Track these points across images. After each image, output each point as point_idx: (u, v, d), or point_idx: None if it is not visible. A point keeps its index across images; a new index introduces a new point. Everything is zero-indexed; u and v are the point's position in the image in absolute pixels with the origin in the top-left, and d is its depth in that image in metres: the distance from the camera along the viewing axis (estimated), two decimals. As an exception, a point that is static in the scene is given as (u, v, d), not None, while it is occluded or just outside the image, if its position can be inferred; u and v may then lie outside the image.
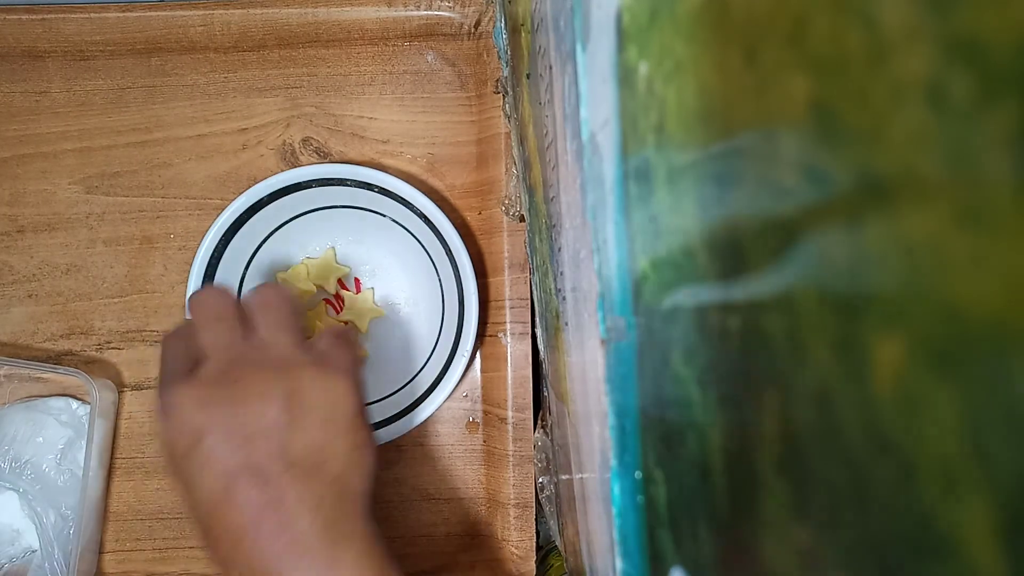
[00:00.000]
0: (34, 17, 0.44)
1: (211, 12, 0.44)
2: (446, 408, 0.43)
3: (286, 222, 0.42)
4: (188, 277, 0.39)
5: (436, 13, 0.44)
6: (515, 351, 0.42)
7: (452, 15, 0.44)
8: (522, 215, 0.41)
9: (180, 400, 0.28)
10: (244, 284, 0.42)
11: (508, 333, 0.42)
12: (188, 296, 0.39)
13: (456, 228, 0.39)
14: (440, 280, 0.42)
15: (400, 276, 0.44)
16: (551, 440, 0.40)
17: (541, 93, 0.29)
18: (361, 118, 0.45)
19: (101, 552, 0.42)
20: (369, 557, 0.28)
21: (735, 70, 0.13)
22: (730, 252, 0.14)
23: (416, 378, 0.42)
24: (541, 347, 0.41)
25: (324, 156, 0.45)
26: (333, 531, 0.27)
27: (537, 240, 0.36)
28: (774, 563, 0.14)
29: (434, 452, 0.43)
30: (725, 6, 0.13)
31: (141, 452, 0.43)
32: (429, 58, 0.45)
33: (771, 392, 0.13)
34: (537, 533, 0.42)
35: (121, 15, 0.44)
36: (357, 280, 0.44)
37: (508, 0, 0.37)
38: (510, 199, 0.42)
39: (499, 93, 0.43)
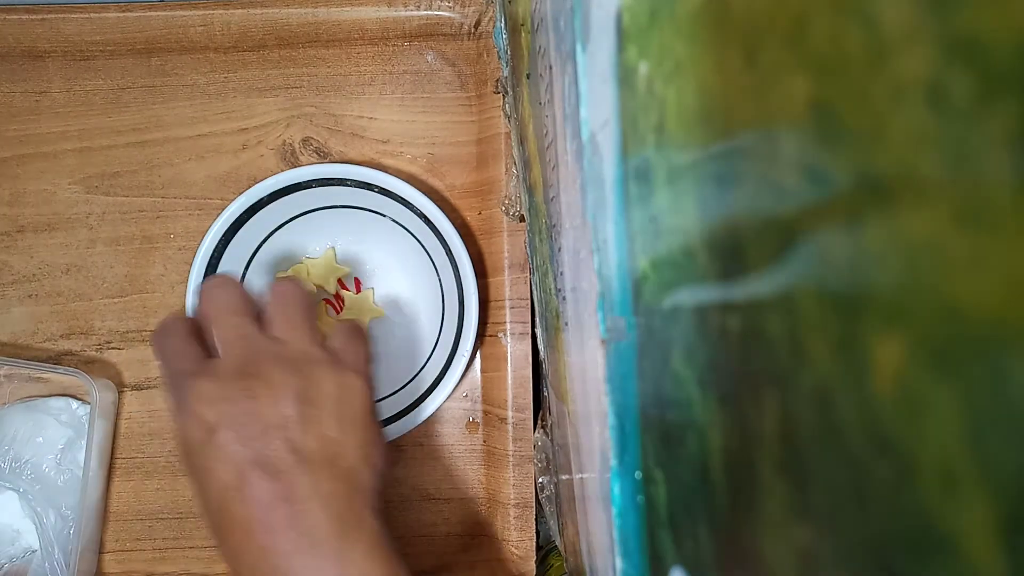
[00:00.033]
0: (34, 17, 0.44)
1: (211, 12, 0.44)
2: (446, 408, 0.43)
3: (286, 222, 0.42)
4: (188, 277, 0.39)
5: (436, 13, 0.44)
6: (515, 351, 0.42)
7: (452, 15, 0.44)
8: (522, 215, 0.41)
9: (195, 395, 0.28)
10: (244, 284, 0.42)
11: (508, 333, 0.42)
12: (197, 285, 0.39)
13: (456, 228, 0.39)
14: (440, 280, 0.42)
15: (400, 276, 0.44)
16: (551, 440, 0.40)
17: (541, 93, 0.29)
18: (361, 118, 0.45)
19: (101, 552, 0.42)
20: (378, 551, 0.28)
21: (735, 70, 0.13)
22: (730, 252, 0.14)
23: (416, 378, 0.42)
24: (541, 347, 0.41)
25: (324, 156, 0.45)
26: (343, 525, 0.27)
27: (537, 240, 0.36)
28: (774, 563, 0.14)
29: (434, 452, 0.43)
30: (725, 6, 0.13)
31: (141, 452, 0.43)
32: (429, 58, 0.45)
33: (771, 392, 0.13)
34: (537, 533, 0.42)
35: (121, 15, 0.44)
36: (357, 280, 0.44)
37: (508, 0, 0.37)
38: (510, 199, 0.42)
39: (499, 93, 0.43)
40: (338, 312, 0.44)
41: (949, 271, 0.09)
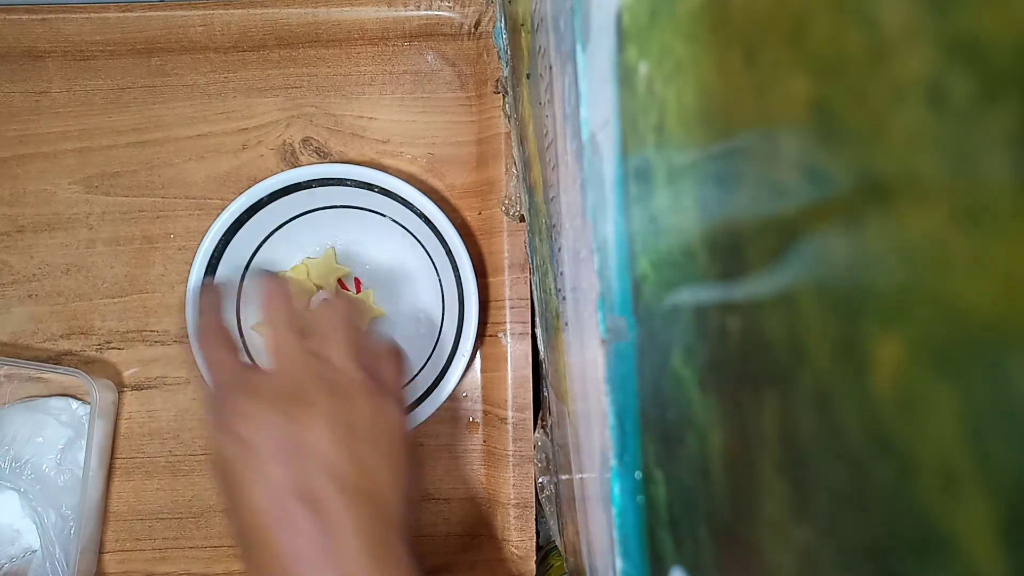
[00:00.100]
0: (34, 17, 0.44)
1: (211, 12, 0.44)
2: (446, 408, 0.43)
3: (286, 222, 0.42)
4: (188, 277, 0.39)
5: (436, 13, 0.44)
6: (515, 351, 0.42)
7: (452, 15, 0.44)
8: (522, 215, 0.41)
9: (239, 412, 0.28)
10: (244, 284, 0.42)
11: (508, 333, 0.42)
12: (196, 285, 0.39)
13: (456, 228, 0.39)
14: (440, 280, 0.42)
15: (400, 276, 0.44)
16: (551, 440, 0.40)
17: (541, 93, 0.29)
18: (361, 118, 0.45)
19: (101, 552, 0.42)
20: None
21: (735, 70, 0.13)
22: (730, 252, 0.14)
23: (416, 378, 0.42)
24: (541, 347, 0.41)
25: (324, 156, 0.45)
26: (377, 561, 0.27)
27: (537, 240, 0.36)
28: (774, 563, 0.14)
29: (434, 452, 0.43)
30: (725, 6, 0.13)
31: (141, 452, 0.43)
32: (429, 58, 0.45)
33: (771, 392, 0.13)
34: (537, 533, 0.42)
35: (121, 15, 0.44)
36: (357, 280, 0.44)
37: (508, 0, 0.37)
38: (510, 199, 0.42)
39: (499, 93, 0.43)
40: (338, 312, 0.44)
41: (949, 271, 0.09)
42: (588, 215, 0.23)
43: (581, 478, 0.29)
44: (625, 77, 0.18)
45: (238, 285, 0.42)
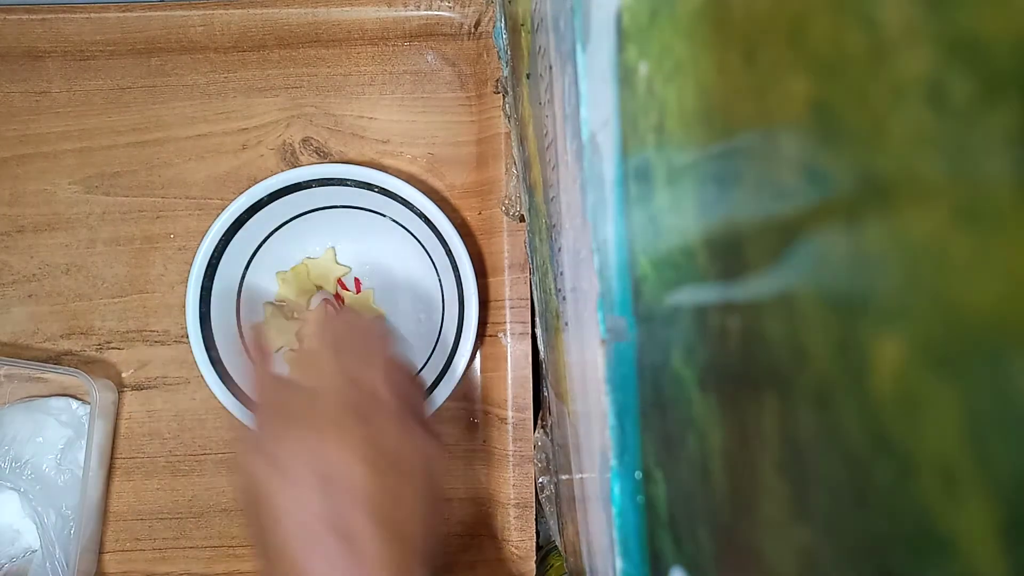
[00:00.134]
0: (34, 17, 0.44)
1: (211, 12, 0.44)
2: (446, 408, 0.43)
3: (286, 222, 0.42)
4: (188, 277, 0.39)
5: (436, 13, 0.44)
6: (515, 351, 0.42)
7: (452, 15, 0.44)
8: (522, 215, 0.41)
9: (279, 439, 0.29)
10: (244, 284, 0.42)
11: (508, 333, 0.42)
12: (197, 285, 0.39)
13: (456, 228, 0.39)
14: (440, 280, 0.42)
15: (400, 276, 0.44)
16: (551, 440, 0.40)
17: (541, 93, 0.29)
18: (361, 118, 0.45)
19: (101, 552, 0.42)
20: None
21: (735, 70, 0.13)
22: (730, 252, 0.14)
23: (416, 378, 0.42)
24: (541, 347, 0.41)
25: (324, 156, 0.45)
26: None
27: (537, 240, 0.36)
28: (774, 563, 0.14)
29: (434, 452, 0.43)
30: (725, 6, 0.13)
31: (141, 452, 0.43)
32: (429, 58, 0.45)
33: (771, 392, 0.13)
34: (537, 533, 0.42)
35: (121, 15, 0.44)
36: (357, 280, 0.44)
37: (508, 0, 0.37)
38: (510, 199, 0.42)
39: (499, 93, 0.43)
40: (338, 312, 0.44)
41: (949, 271, 0.09)
42: (588, 215, 0.23)
43: (581, 478, 0.29)
44: (625, 77, 0.18)
45: (238, 285, 0.42)
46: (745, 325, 0.14)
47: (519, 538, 0.42)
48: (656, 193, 0.17)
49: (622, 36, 0.18)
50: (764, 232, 0.13)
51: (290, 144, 0.45)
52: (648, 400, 0.20)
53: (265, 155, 0.45)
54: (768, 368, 0.13)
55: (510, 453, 0.41)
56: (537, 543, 0.42)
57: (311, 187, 0.40)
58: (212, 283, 0.40)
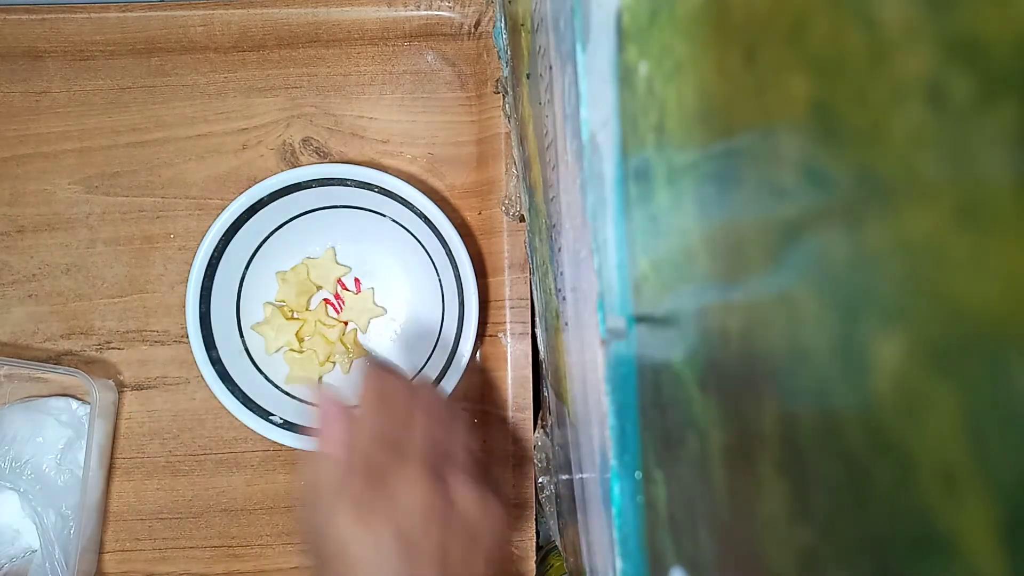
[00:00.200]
0: (34, 17, 0.44)
1: (211, 12, 0.44)
2: (446, 408, 0.43)
3: (286, 222, 0.42)
4: (188, 277, 0.39)
5: (436, 13, 0.44)
6: (515, 351, 0.42)
7: (452, 15, 0.44)
8: (522, 215, 0.41)
9: (371, 486, 0.29)
10: (244, 284, 0.42)
11: (508, 333, 0.42)
12: (197, 285, 0.39)
13: (456, 228, 0.39)
14: (440, 280, 0.42)
15: (400, 276, 0.44)
16: (551, 440, 0.40)
17: (541, 93, 0.29)
18: (361, 118, 0.45)
19: (101, 552, 0.42)
20: None
21: (735, 70, 0.13)
22: (730, 252, 0.14)
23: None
24: (541, 347, 0.41)
25: (324, 156, 0.45)
26: None
27: (537, 240, 0.36)
28: (774, 563, 0.14)
29: (434, 452, 0.43)
30: (725, 6, 0.13)
31: (141, 452, 0.43)
32: (429, 58, 0.45)
33: (771, 392, 0.13)
34: (537, 533, 0.42)
35: (121, 15, 0.44)
36: (357, 280, 0.44)
37: (508, 0, 0.37)
38: (510, 199, 0.42)
39: (499, 93, 0.43)
40: (338, 312, 0.44)
41: (949, 271, 0.09)
42: (588, 215, 0.23)
43: (581, 478, 0.29)
44: (625, 77, 0.18)
45: (238, 285, 0.42)
46: (745, 325, 0.14)
47: (519, 538, 0.42)
48: (656, 193, 0.17)
49: (622, 36, 0.18)
50: (764, 232, 0.13)
51: (290, 144, 0.45)
52: (648, 400, 0.20)
53: (265, 155, 0.45)
54: (768, 368, 0.14)
55: (510, 453, 0.41)
56: (537, 543, 0.42)
57: (311, 187, 0.40)
58: (212, 283, 0.40)
